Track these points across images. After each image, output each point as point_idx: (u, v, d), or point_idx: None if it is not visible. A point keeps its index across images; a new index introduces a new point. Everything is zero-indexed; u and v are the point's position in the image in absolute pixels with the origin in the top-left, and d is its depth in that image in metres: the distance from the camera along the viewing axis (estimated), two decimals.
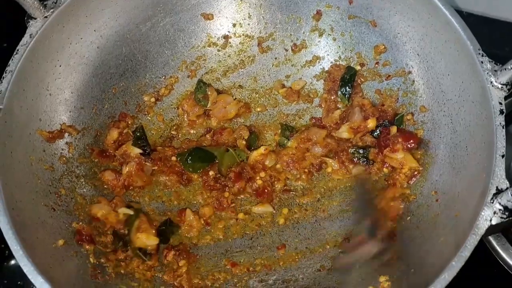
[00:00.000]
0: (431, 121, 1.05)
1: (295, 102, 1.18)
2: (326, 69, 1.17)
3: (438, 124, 1.03)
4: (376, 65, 1.13)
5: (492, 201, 0.82)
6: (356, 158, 1.08)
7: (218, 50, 1.19)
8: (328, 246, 1.03)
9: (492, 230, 0.83)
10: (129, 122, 1.13)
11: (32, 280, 0.79)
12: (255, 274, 1.01)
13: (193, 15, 1.16)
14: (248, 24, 1.19)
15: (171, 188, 1.10)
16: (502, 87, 0.90)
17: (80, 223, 0.98)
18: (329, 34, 1.16)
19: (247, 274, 1.01)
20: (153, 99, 1.16)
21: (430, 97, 1.05)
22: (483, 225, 0.81)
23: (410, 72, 1.09)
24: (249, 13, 1.18)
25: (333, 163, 1.09)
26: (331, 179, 1.10)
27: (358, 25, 1.13)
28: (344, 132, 1.10)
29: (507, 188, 0.82)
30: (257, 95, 1.19)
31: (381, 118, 1.09)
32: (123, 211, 1.02)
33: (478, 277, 0.99)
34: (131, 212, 1.02)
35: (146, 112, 1.15)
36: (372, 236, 0.98)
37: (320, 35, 1.17)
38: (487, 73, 0.91)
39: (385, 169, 1.06)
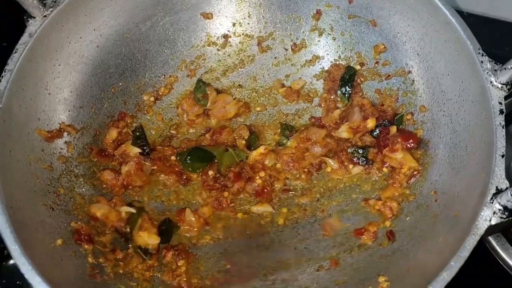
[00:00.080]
0: (430, 121, 1.04)
1: (294, 102, 1.18)
2: (326, 68, 1.17)
3: (438, 124, 1.03)
4: (376, 65, 1.13)
5: (491, 201, 0.82)
6: (356, 158, 1.08)
7: (218, 50, 1.19)
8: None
9: (491, 230, 0.83)
10: (129, 122, 1.13)
11: (29, 280, 0.79)
12: (254, 274, 1.01)
13: (192, 14, 1.16)
14: (248, 23, 1.18)
15: (170, 188, 1.10)
16: (502, 87, 0.90)
17: (79, 222, 0.97)
18: (329, 33, 1.16)
19: (246, 274, 1.01)
20: (152, 99, 1.16)
21: (430, 97, 1.05)
22: (482, 225, 0.81)
23: (410, 72, 1.09)
24: (249, 12, 1.18)
25: (332, 163, 1.09)
26: (330, 179, 1.10)
27: (358, 25, 1.13)
28: (343, 132, 1.09)
29: (506, 188, 0.82)
30: (256, 95, 1.19)
31: (381, 118, 1.09)
32: (125, 209, 1.02)
33: (478, 277, 0.99)
34: (134, 211, 1.02)
35: (145, 112, 1.15)
36: None
37: (320, 34, 1.16)
38: (487, 72, 0.91)
39: (384, 169, 1.06)
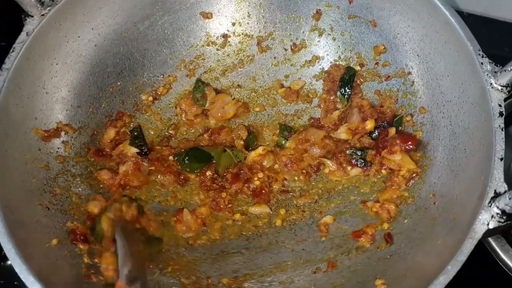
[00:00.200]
0: (430, 122, 1.04)
1: (294, 102, 1.17)
2: (326, 69, 1.16)
3: (437, 126, 1.02)
4: (376, 66, 1.12)
5: (490, 205, 0.81)
6: (354, 160, 1.07)
7: (217, 49, 1.19)
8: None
9: (490, 233, 0.83)
10: (127, 121, 1.12)
11: (24, 280, 0.79)
12: (250, 276, 1.00)
13: (192, 14, 1.16)
14: (248, 23, 1.18)
15: (168, 188, 1.09)
16: (502, 88, 0.89)
17: (75, 222, 0.97)
18: (328, 33, 1.15)
19: (243, 276, 1.00)
20: (151, 98, 1.15)
21: (429, 98, 1.04)
22: (480, 229, 0.80)
23: (409, 73, 1.08)
24: (248, 12, 1.17)
25: (331, 164, 1.08)
26: (329, 181, 1.10)
27: (358, 25, 1.12)
28: (342, 133, 1.09)
29: (505, 192, 0.81)
30: (256, 95, 1.18)
31: (380, 119, 1.09)
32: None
33: (477, 278, 0.98)
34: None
35: (143, 111, 1.15)
36: None
37: (320, 34, 1.16)
38: (487, 74, 0.90)
39: (383, 171, 1.06)
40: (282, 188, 1.10)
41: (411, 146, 1.02)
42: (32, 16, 0.98)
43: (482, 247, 1.01)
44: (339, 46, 1.15)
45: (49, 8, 0.98)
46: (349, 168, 1.08)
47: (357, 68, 1.14)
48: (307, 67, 1.17)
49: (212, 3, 1.16)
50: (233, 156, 1.10)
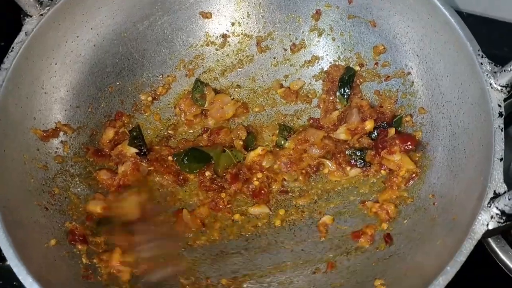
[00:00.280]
0: (429, 123, 1.04)
1: (293, 103, 1.17)
2: (325, 69, 1.16)
3: (437, 126, 1.02)
4: (375, 66, 1.12)
5: (489, 205, 0.81)
6: (353, 160, 1.07)
7: (217, 49, 1.18)
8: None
9: (489, 234, 0.82)
10: (126, 121, 1.12)
11: (22, 280, 0.79)
12: (250, 276, 1.00)
13: (191, 14, 1.15)
14: (247, 23, 1.18)
15: (167, 188, 1.09)
16: (501, 89, 0.89)
17: (74, 223, 0.97)
18: (328, 34, 1.15)
19: (242, 276, 1.00)
20: (150, 98, 1.15)
21: (429, 98, 1.04)
22: (479, 229, 0.80)
23: (409, 73, 1.08)
24: (248, 12, 1.17)
25: (330, 165, 1.08)
26: (328, 181, 1.09)
27: (357, 25, 1.12)
28: (341, 134, 1.09)
29: (504, 192, 0.81)
30: (255, 95, 1.18)
31: (379, 119, 1.08)
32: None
33: (477, 279, 0.98)
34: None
35: (142, 111, 1.14)
36: None
37: (319, 34, 1.16)
38: (487, 74, 0.90)
39: (382, 171, 1.06)
40: (282, 189, 1.09)
41: (410, 147, 1.02)
42: (31, 16, 0.97)
43: (481, 248, 1.01)
44: (338, 46, 1.15)
45: (48, 8, 0.98)
46: (348, 168, 1.08)
47: (357, 68, 1.13)
48: (307, 67, 1.17)
49: (212, 3, 1.16)
50: (232, 157, 1.09)
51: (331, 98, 1.14)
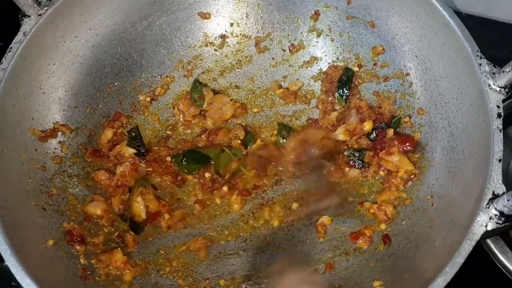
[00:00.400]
0: (428, 124, 1.03)
1: (292, 103, 1.17)
2: (324, 70, 1.16)
3: (436, 127, 1.02)
4: (374, 67, 1.12)
5: (488, 206, 0.81)
6: (352, 161, 1.07)
7: (215, 50, 1.18)
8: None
9: (488, 234, 0.82)
10: (124, 122, 1.12)
11: (20, 281, 0.79)
12: (248, 277, 1.00)
13: (190, 14, 1.15)
14: (246, 23, 1.18)
15: (166, 189, 1.09)
16: (500, 90, 0.88)
17: (71, 223, 0.97)
18: (327, 34, 1.15)
19: (240, 277, 1.00)
20: (148, 99, 1.15)
21: (427, 99, 1.04)
22: (478, 230, 0.80)
23: (408, 74, 1.07)
24: (246, 13, 1.17)
25: (328, 165, 1.08)
26: (327, 182, 1.09)
27: (356, 26, 1.12)
28: (340, 134, 1.09)
29: (503, 193, 0.81)
30: (253, 96, 1.18)
31: (378, 120, 1.08)
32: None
33: (475, 280, 0.98)
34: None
35: (141, 112, 1.14)
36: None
37: (318, 35, 1.16)
38: (485, 75, 0.90)
39: (381, 172, 1.05)
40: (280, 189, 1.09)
41: (409, 148, 1.02)
42: (29, 16, 0.97)
43: (480, 249, 1.01)
44: (337, 47, 1.15)
45: (46, 8, 0.98)
46: (347, 169, 1.07)
47: (355, 69, 1.13)
48: (305, 68, 1.17)
49: (210, 4, 1.15)
50: (232, 155, 1.09)
51: (329, 98, 1.14)
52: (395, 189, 1.02)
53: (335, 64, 1.15)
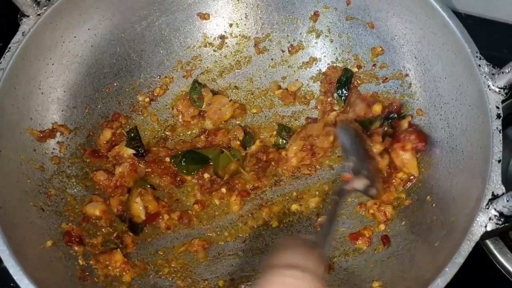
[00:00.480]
0: (427, 124, 1.03)
1: (291, 104, 1.17)
2: (323, 70, 1.16)
3: (435, 128, 1.01)
4: (373, 67, 1.12)
5: (487, 207, 0.80)
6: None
7: (214, 51, 1.18)
8: None
9: (487, 235, 0.82)
10: (123, 122, 1.12)
11: (18, 282, 0.78)
12: (247, 278, 1.00)
13: (189, 15, 1.15)
14: (245, 24, 1.17)
15: (164, 190, 1.09)
16: (499, 91, 0.88)
17: (70, 224, 0.97)
18: (326, 35, 1.15)
19: (239, 278, 1.00)
20: (147, 99, 1.15)
21: (427, 100, 1.04)
22: (477, 231, 0.80)
23: (407, 75, 1.07)
24: (246, 14, 1.17)
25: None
26: (326, 182, 1.09)
27: (355, 27, 1.12)
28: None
29: (503, 194, 0.81)
30: (252, 96, 1.18)
31: (387, 108, 1.07)
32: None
33: (475, 280, 0.98)
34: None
35: (140, 112, 1.14)
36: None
37: (317, 36, 1.15)
38: (485, 76, 0.89)
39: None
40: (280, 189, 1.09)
41: (423, 148, 1.00)
42: (28, 16, 0.97)
43: (480, 250, 1.01)
44: (336, 48, 1.15)
45: (45, 8, 0.98)
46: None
47: (355, 70, 1.13)
48: (304, 69, 1.17)
49: (210, 4, 1.15)
50: (231, 156, 1.09)
51: (329, 99, 1.14)
52: (394, 189, 1.02)
53: (334, 65, 1.15)
